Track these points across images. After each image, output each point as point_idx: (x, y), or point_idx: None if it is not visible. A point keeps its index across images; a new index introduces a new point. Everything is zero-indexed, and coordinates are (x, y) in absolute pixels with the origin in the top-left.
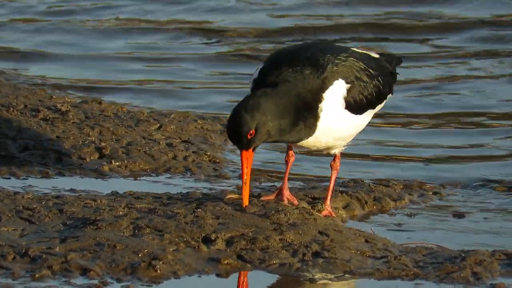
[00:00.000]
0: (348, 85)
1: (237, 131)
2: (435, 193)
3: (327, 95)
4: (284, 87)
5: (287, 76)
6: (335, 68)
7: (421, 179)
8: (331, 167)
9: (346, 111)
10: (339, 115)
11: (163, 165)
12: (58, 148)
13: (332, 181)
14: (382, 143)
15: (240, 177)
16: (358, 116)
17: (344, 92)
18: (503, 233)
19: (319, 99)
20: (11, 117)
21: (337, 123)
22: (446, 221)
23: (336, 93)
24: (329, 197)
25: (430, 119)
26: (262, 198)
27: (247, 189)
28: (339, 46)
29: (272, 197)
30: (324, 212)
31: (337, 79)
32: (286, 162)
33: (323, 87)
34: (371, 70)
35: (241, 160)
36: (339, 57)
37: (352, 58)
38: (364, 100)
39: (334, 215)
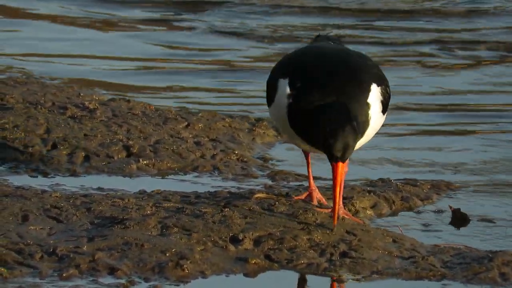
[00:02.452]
0: (380, 88)
1: (350, 143)
2: (463, 192)
3: (371, 101)
4: (347, 99)
5: (340, 89)
6: (370, 70)
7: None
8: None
9: (381, 113)
10: (379, 120)
11: (190, 163)
12: (85, 146)
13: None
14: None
15: (269, 176)
16: (384, 116)
17: (380, 95)
18: None
19: (368, 106)
20: (39, 114)
21: (375, 127)
22: (474, 221)
23: (375, 97)
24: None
25: None
26: (294, 198)
27: (337, 206)
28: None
29: (302, 196)
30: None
31: (373, 83)
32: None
33: (366, 94)
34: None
35: (337, 172)
36: (362, 58)
37: (368, 58)
38: (388, 99)
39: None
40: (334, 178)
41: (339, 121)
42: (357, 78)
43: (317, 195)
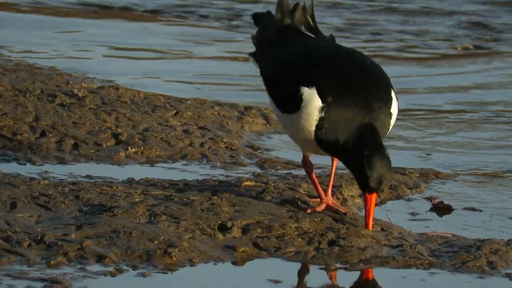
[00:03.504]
0: (394, 92)
1: (387, 178)
2: (451, 181)
3: (393, 109)
4: (376, 116)
5: (369, 103)
6: (384, 74)
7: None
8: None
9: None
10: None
11: (179, 151)
12: (74, 134)
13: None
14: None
15: (257, 164)
16: None
17: (396, 100)
18: None
19: (391, 116)
20: (27, 102)
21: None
22: (461, 210)
23: (395, 104)
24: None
25: None
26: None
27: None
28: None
29: (320, 208)
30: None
31: (391, 90)
32: (311, 171)
33: (390, 104)
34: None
35: (370, 203)
36: (370, 60)
37: (368, 57)
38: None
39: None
40: (367, 208)
41: (378, 152)
42: (381, 88)
43: (333, 203)
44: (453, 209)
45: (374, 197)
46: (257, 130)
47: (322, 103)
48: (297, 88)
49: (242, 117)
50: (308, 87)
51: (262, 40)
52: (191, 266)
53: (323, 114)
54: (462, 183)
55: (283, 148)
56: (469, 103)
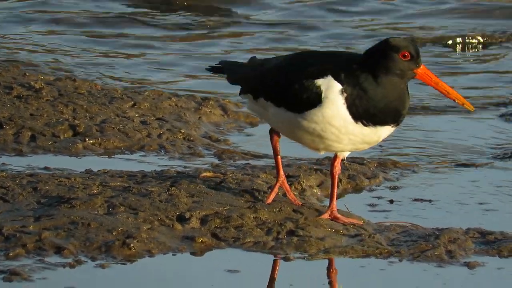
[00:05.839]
0: None
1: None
2: (409, 171)
3: None
4: None
5: None
6: None
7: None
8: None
9: None
10: None
11: (137, 142)
12: (31, 125)
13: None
14: None
15: (215, 155)
16: None
17: None
18: (478, 212)
19: None
20: None
21: None
22: (420, 199)
23: None
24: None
25: None
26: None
27: None
28: None
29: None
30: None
31: None
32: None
33: None
34: None
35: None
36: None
37: None
38: None
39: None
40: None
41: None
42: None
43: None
44: (412, 199)
45: (425, 70)
46: (215, 121)
47: (342, 85)
48: (312, 82)
49: (200, 108)
50: (322, 77)
51: (248, 67)
52: (150, 257)
53: (347, 94)
54: (420, 173)
55: (240, 138)
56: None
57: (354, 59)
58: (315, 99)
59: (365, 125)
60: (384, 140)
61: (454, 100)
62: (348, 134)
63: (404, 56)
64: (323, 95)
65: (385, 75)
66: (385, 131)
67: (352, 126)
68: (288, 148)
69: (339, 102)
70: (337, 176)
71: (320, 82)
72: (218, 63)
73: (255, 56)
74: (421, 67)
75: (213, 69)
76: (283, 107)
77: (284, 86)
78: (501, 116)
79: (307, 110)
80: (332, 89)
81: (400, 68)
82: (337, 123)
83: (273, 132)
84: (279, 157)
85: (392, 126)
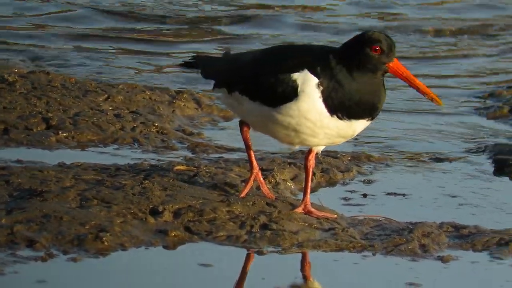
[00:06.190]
0: None
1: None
2: (382, 165)
3: None
4: None
5: None
6: None
7: None
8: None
9: None
10: None
11: (110, 136)
12: (4, 118)
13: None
14: None
15: (189, 148)
16: None
17: None
18: (452, 206)
19: None
20: None
21: None
22: (393, 193)
23: None
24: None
25: None
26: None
27: None
28: None
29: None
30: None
31: None
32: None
33: None
34: None
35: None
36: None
37: None
38: None
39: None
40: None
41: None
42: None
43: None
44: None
45: (397, 64)
46: (188, 114)
47: (318, 78)
48: (287, 76)
49: (174, 101)
50: (298, 71)
51: (222, 61)
52: (122, 250)
53: (323, 87)
54: (394, 166)
55: (214, 132)
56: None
57: (330, 52)
58: (291, 93)
59: (340, 118)
60: (359, 134)
61: (424, 95)
62: (323, 128)
63: (376, 50)
64: (299, 89)
65: (359, 69)
66: (360, 125)
67: (328, 120)
68: (262, 141)
69: (315, 96)
70: (311, 170)
71: (296, 76)
72: (191, 57)
73: (229, 51)
74: (394, 61)
75: (187, 64)
76: (258, 101)
77: (259, 80)
78: (476, 110)
79: (283, 104)
80: (308, 83)
81: (372, 62)
82: (313, 117)
83: (243, 124)
84: (251, 150)
85: (367, 120)
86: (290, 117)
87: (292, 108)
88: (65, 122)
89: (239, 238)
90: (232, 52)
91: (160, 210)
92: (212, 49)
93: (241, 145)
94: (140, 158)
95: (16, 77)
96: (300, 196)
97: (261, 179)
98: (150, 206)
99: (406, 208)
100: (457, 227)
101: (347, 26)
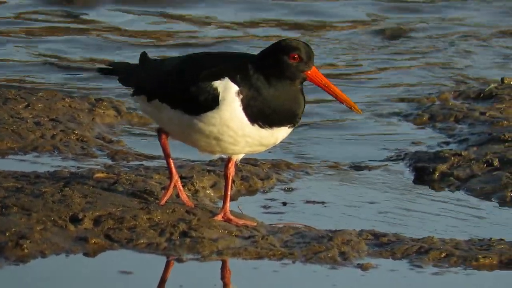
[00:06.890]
0: None
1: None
2: (302, 173)
3: None
4: None
5: None
6: None
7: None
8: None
9: None
10: None
11: (30, 143)
12: None
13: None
14: None
15: (109, 155)
16: None
17: None
18: (371, 214)
19: None
20: None
21: None
22: (313, 201)
23: None
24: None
25: None
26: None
27: None
28: None
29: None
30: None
31: None
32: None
33: None
34: None
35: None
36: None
37: None
38: None
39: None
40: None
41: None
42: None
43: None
44: (307, 201)
45: (316, 72)
46: (108, 122)
47: (238, 86)
48: (208, 84)
49: (94, 109)
50: (219, 79)
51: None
52: (42, 257)
53: (243, 95)
54: (314, 174)
55: (134, 139)
56: None
57: (250, 60)
58: (212, 101)
59: (261, 127)
60: (281, 142)
61: (342, 103)
62: (245, 137)
63: (294, 58)
64: (220, 97)
65: (277, 77)
66: (281, 133)
67: (249, 128)
68: (182, 149)
69: (235, 104)
70: (230, 178)
71: (217, 84)
72: (108, 64)
73: (145, 52)
74: (312, 69)
75: (104, 71)
76: (179, 110)
77: (180, 88)
78: (397, 117)
79: (204, 112)
80: (229, 91)
81: (290, 70)
82: (235, 125)
83: (161, 132)
84: (170, 157)
85: (289, 127)
86: (212, 126)
87: (213, 116)
88: None
89: (159, 246)
90: (149, 56)
91: (80, 218)
92: None
93: (161, 152)
94: (60, 166)
95: None
96: (220, 204)
97: (180, 186)
98: (70, 214)
99: (325, 216)
100: (376, 235)
101: None
